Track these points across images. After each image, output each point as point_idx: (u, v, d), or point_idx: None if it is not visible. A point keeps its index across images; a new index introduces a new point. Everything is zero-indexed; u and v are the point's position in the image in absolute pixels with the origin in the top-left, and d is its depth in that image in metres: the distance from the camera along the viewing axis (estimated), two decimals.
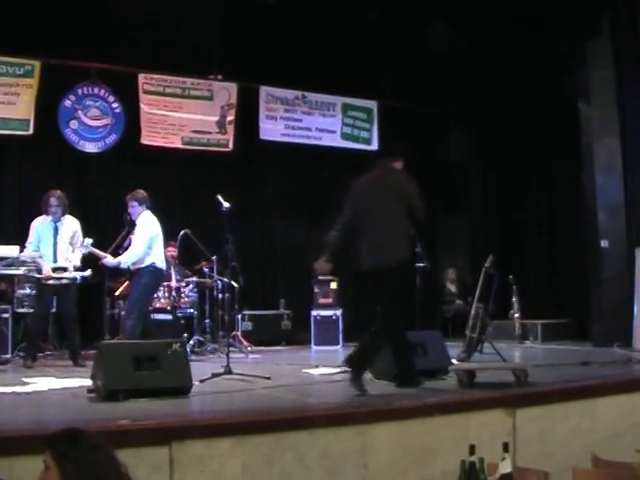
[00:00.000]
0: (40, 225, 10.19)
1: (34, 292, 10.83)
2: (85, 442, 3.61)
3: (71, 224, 10.32)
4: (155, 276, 10.14)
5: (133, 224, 10.25)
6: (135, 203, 10.21)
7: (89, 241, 10.15)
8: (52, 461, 3.54)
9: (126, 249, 10.25)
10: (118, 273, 11.13)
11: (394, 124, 14.55)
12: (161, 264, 10.14)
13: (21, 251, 10.42)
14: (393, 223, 7.30)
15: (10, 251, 10.66)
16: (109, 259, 10.14)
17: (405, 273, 7.55)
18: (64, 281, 10.01)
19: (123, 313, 10.61)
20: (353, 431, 5.74)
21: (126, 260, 10.04)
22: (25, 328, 11.21)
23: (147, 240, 9.95)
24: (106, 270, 10.94)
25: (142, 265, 9.96)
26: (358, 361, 7.31)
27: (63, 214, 10.22)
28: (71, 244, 10.23)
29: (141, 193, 10.27)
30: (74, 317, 10.13)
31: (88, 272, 10.22)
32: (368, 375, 8.02)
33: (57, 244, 10.14)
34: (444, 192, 14.92)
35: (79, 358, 9.99)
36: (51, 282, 9.98)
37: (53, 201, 10.14)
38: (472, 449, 3.76)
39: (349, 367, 7.34)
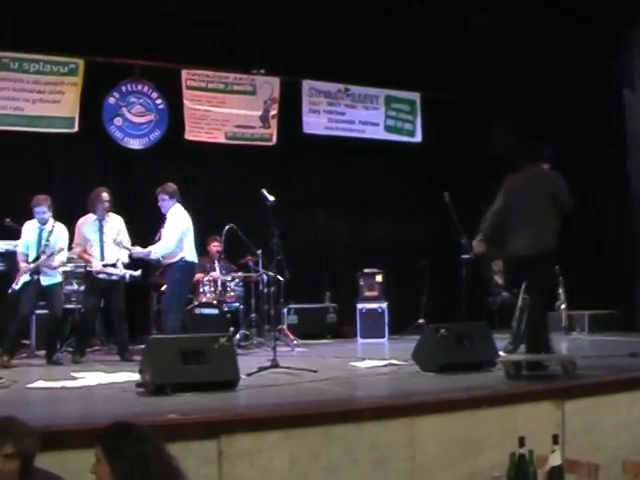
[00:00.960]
0: (85, 225, 10.21)
1: (82, 288, 10.95)
2: (134, 436, 3.65)
3: (116, 222, 10.34)
4: (187, 270, 10.23)
5: (163, 217, 10.29)
6: (165, 196, 10.24)
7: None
8: (102, 454, 3.59)
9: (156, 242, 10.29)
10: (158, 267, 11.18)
11: (437, 116, 14.51)
12: (192, 257, 10.20)
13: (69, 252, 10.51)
14: (542, 217, 7.78)
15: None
16: (138, 249, 10.17)
17: (551, 262, 8.08)
18: (113, 277, 10.05)
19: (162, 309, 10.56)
20: (400, 424, 5.73)
21: (156, 252, 10.06)
22: (73, 323, 11.34)
23: (178, 234, 10.00)
24: (150, 265, 11.02)
25: (173, 260, 10.04)
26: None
27: (108, 212, 10.30)
28: (116, 242, 10.26)
29: (171, 186, 10.29)
30: (123, 313, 10.16)
31: (138, 272, 10.24)
32: (414, 367, 8.06)
33: (104, 242, 10.15)
34: (488, 184, 14.79)
35: (127, 353, 10.05)
36: (101, 276, 10.02)
37: (105, 197, 10.17)
38: (522, 441, 3.74)
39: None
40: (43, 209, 9.88)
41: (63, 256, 10.03)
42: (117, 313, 10.18)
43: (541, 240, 7.68)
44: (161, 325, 10.76)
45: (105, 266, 10.02)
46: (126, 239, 10.35)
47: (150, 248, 10.13)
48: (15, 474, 3.95)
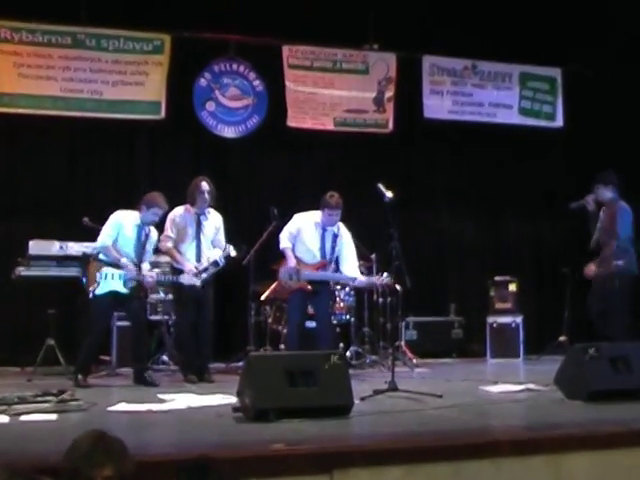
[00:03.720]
0: (180, 217, 10.24)
1: (169, 296, 11.05)
2: (213, 477, 3.64)
3: (216, 219, 10.39)
4: None
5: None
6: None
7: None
8: None
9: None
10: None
11: (582, 95, 14.23)
12: None
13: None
14: None
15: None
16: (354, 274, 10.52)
17: None
18: (204, 276, 10.06)
19: (320, 326, 10.55)
20: (544, 461, 5.61)
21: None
22: (160, 338, 11.49)
23: None
24: (250, 272, 11.12)
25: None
26: None
27: (209, 206, 10.32)
28: (212, 242, 10.31)
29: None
30: (210, 324, 10.23)
31: (231, 250, 10.25)
32: (557, 394, 7.92)
33: (200, 242, 10.19)
34: None
35: (207, 373, 10.12)
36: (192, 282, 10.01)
37: (205, 186, 10.20)
38: None
39: None
40: (158, 212, 9.92)
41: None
42: (205, 324, 10.16)
43: None
44: (263, 340, 11.01)
45: (198, 271, 10.03)
46: (223, 243, 10.42)
47: (357, 275, 10.54)
48: None
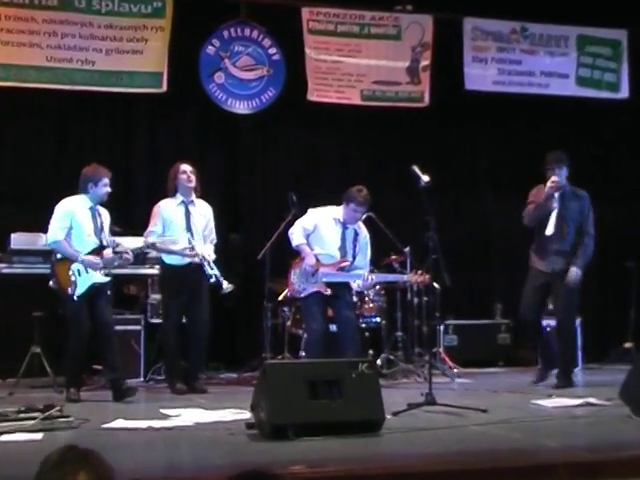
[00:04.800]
0: (167, 209, 10.30)
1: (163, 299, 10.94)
2: None
3: (204, 209, 10.48)
4: None
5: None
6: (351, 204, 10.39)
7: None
8: None
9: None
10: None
11: None
12: None
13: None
14: None
15: (140, 243, 10.72)
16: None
17: None
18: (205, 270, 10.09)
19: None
20: None
21: None
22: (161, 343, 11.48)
23: None
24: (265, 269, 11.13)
25: None
26: None
27: (194, 191, 10.35)
28: (203, 236, 10.35)
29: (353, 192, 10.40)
30: (206, 323, 10.29)
31: (229, 286, 10.15)
32: (623, 409, 7.88)
33: (192, 234, 10.19)
34: None
35: (198, 381, 10.20)
36: (195, 260, 10.07)
37: (186, 166, 10.27)
38: None
39: None
40: (108, 183, 9.83)
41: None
42: (198, 323, 10.26)
43: None
44: (280, 345, 11.02)
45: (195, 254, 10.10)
46: (213, 236, 10.49)
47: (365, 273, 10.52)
48: None
